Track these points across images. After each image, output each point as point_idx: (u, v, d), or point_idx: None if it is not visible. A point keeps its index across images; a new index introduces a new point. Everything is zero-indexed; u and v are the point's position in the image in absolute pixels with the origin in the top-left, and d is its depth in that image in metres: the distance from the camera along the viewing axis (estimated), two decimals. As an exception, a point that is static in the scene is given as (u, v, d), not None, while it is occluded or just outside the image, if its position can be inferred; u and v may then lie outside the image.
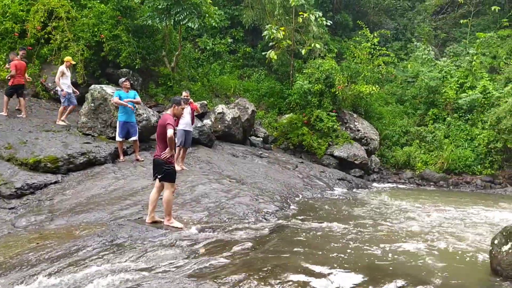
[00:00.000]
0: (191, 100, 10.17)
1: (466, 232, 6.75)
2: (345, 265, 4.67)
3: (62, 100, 11.32)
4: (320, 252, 5.21)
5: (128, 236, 5.54)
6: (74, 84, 13.75)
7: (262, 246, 5.37)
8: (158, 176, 6.13)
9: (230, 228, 6.24)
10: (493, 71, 19.13)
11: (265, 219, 6.96)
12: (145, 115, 10.60)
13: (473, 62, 17.83)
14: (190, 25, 12.91)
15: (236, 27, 20.48)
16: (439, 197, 12.25)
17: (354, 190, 12.01)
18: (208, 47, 17.74)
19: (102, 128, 10.49)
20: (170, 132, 5.92)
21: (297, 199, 9.01)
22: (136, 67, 14.68)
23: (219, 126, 13.32)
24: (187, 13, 12.93)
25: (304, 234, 6.18)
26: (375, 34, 17.62)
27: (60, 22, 14.00)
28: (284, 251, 5.17)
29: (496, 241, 4.34)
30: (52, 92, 13.61)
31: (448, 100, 17.59)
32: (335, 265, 4.62)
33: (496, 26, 21.83)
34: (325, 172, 12.66)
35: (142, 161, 9.70)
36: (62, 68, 11.19)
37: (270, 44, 16.77)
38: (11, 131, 9.66)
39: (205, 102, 14.19)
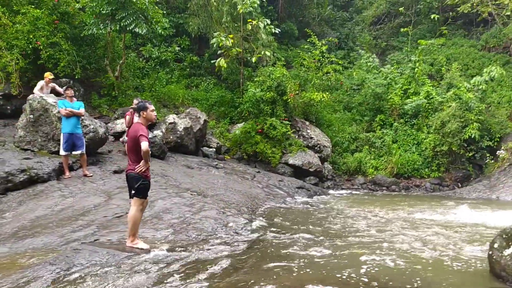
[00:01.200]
0: None
1: (442, 237, 6.62)
2: (342, 282, 4.26)
3: None
4: (309, 269, 4.78)
5: (86, 262, 4.80)
6: (8, 95, 12.56)
7: (243, 264, 4.84)
8: (133, 192, 5.46)
9: (202, 246, 5.65)
10: (432, 77, 19.95)
11: (236, 233, 6.43)
12: (92, 127, 9.69)
13: (416, 69, 18.47)
14: (137, 30, 12.16)
15: (182, 35, 19.88)
16: (396, 201, 12.33)
17: (313, 197, 11.77)
18: (153, 55, 16.95)
19: (43, 142, 9.46)
20: (145, 144, 5.22)
21: (262, 209, 8.55)
22: (77, 76, 13.66)
23: (171, 137, 12.61)
24: (134, 18, 12.17)
25: (282, 248, 5.73)
26: (323, 42, 17.74)
27: (-11, 29, 12.74)
28: (269, 268, 4.69)
29: (496, 245, 4.14)
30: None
31: (394, 106, 18.03)
32: (333, 283, 4.20)
33: (433, 35, 22.93)
34: (283, 181, 12.33)
35: (91, 176, 8.82)
36: (42, 83, 10.30)
37: (219, 52, 16.36)
38: None
39: (154, 112, 13.43)
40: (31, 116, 9.42)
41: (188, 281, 4.31)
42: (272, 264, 4.82)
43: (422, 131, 17.27)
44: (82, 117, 9.32)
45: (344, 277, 4.46)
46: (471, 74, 18.87)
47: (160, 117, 14.07)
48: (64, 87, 9.03)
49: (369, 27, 28.70)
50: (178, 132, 12.69)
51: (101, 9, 12.18)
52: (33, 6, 13.57)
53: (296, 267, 4.76)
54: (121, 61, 14.80)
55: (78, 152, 8.71)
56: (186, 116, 13.69)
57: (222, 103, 17.28)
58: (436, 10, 24.52)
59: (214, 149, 14.82)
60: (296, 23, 24.19)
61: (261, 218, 7.66)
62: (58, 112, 8.89)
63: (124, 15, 12.10)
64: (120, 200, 7.39)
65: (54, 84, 10.66)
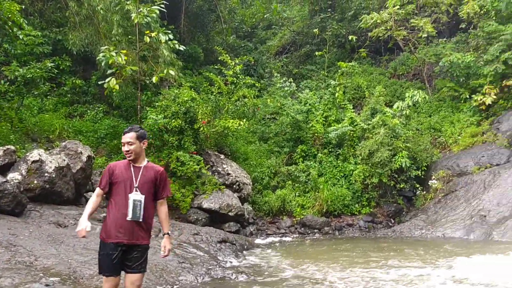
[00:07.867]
0: None
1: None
2: None
3: None
4: None
5: None
6: None
7: None
8: None
9: None
10: (353, 101, 18.53)
11: None
12: None
13: (336, 94, 16.76)
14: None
15: (61, 54, 15.97)
16: (342, 250, 9.88)
17: (242, 253, 8.81)
18: (18, 75, 12.89)
19: None
20: None
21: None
22: None
23: (36, 182, 8.75)
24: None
25: None
26: (237, 61, 15.25)
27: None
28: None
29: None
30: None
31: (316, 134, 15.97)
32: None
33: (352, 57, 21.88)
34: (199, 234, 9.15)
35: None
36: None
37: (109, 72, 12.92)
38: None
39: (12, 147, 9.49)
40: None
41: None
42: None
43: (349, 161, 15.36)
44: None
45: None
46: (384, 101, 17.60)
47: (22, 154, 10.15)
48: None
49: (274, 56, 27.79)
50: (46, 174, 8.90)
51: None
52: None
53: None
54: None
55: None
56: (60, 152, 9.98)
57: (115, 135, 13.66)
58: (343, 38, 23.84)
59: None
60: (201, 49, 21.64)
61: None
62: None
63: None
64: None
65: None
